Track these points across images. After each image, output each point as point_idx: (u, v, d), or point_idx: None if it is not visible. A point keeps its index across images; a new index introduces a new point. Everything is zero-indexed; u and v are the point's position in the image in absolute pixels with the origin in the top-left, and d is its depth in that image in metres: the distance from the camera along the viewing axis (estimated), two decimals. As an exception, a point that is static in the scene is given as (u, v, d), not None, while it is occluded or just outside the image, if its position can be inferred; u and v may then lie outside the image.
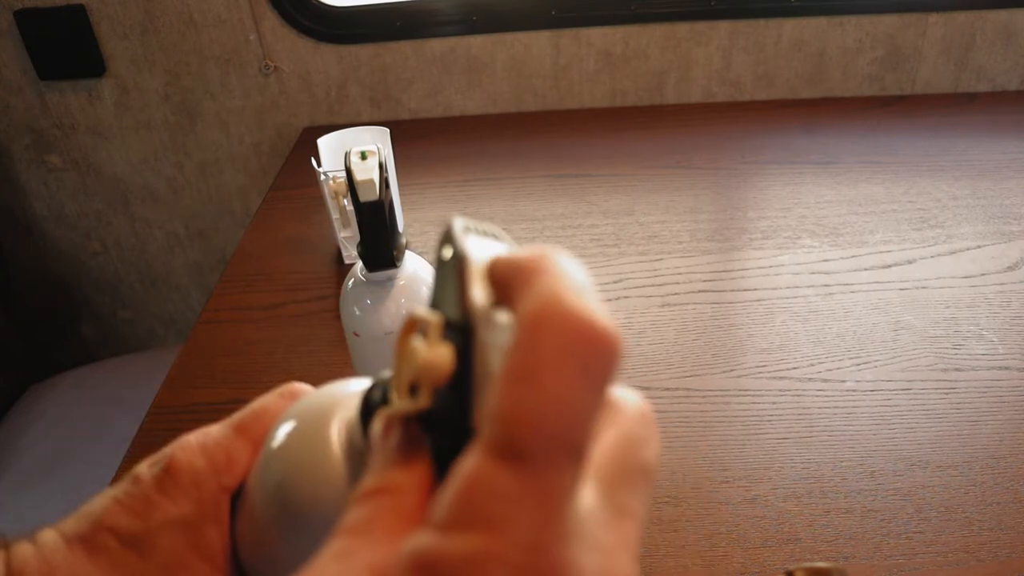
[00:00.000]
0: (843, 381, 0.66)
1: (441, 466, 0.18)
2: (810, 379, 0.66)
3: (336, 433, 0.24)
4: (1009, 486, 0.55)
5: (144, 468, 0.26)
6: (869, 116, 1.16)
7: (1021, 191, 0.93)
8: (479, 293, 0.17)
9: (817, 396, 0.64)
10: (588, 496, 0.16)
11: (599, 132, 1.16)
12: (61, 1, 1.11)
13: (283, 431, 0.25)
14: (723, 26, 1.17)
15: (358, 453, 0.23)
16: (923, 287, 0.77)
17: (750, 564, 0.51)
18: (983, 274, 0.79)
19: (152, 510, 0.25)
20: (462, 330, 0.17)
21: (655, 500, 0.55)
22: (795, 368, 0.67)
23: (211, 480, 0.25)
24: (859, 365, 0.67)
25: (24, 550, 0.24)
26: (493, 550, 0.13)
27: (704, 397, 0.65)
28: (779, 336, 0.71)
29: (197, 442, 0.26)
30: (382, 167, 0.48)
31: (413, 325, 0.19)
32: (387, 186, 0.48)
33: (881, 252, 0.83)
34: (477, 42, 1.18)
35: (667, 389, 0.66)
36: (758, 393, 0.65)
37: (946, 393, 0.64)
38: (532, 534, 0.14)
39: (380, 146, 0.50)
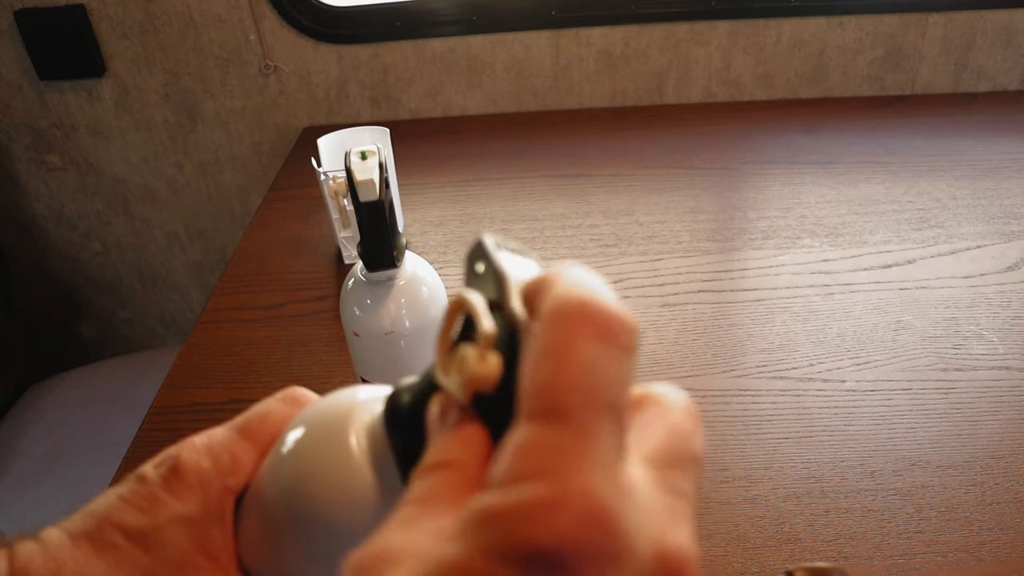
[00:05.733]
0: (843, 381, 0.66)
1: None
2: (810, 379, 0.66)
3: (355, 438, 0.24)
4: (1009, 486, 0.55)
5: (149, 468, 0.26)
6: (869, 116, 1.16)
7: (1021, 191, 0.93)
8: (519, 305, 0.19)
9: (817, 396, 0.64)
10: (640, 475, 0.17)
11: (599, 132, 1.16)
12: (61, 1, 1.11)
13: (295, 437, 0.25)
14: (723, 26, 1.17)
15: (382, 456, 0.23)
16: (923, 287, 0.77)
17: (750, 564, 0.51)
18: (983, 274, 0.79)
19: (159, 508, 0.25)
20: (508, 339, 0.19)
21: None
22: (795, 368, 0.67)
23: (217, 481, 0.25)
24: (859, 365, 0.67)
25: (28, 548, 0.24)
26: (551, 495, 0.14)
27: (704, 397, 0.65)
28: (779, 336, 0.71)
29: (202, 443, 0.26)
30: (382, 167, 0.48)
31: (457, 310, 0.20)
32: (387, 186, 0.48)
33: (881, 252, 0.83)
34: (477, 42, 1.18)
35: (667, 389, 0.65)
36: (758, 393, 0.65)
37: (946, 393, 0.64)
38: (585, 480, 0.14)
39: (380, 146, 0.50)
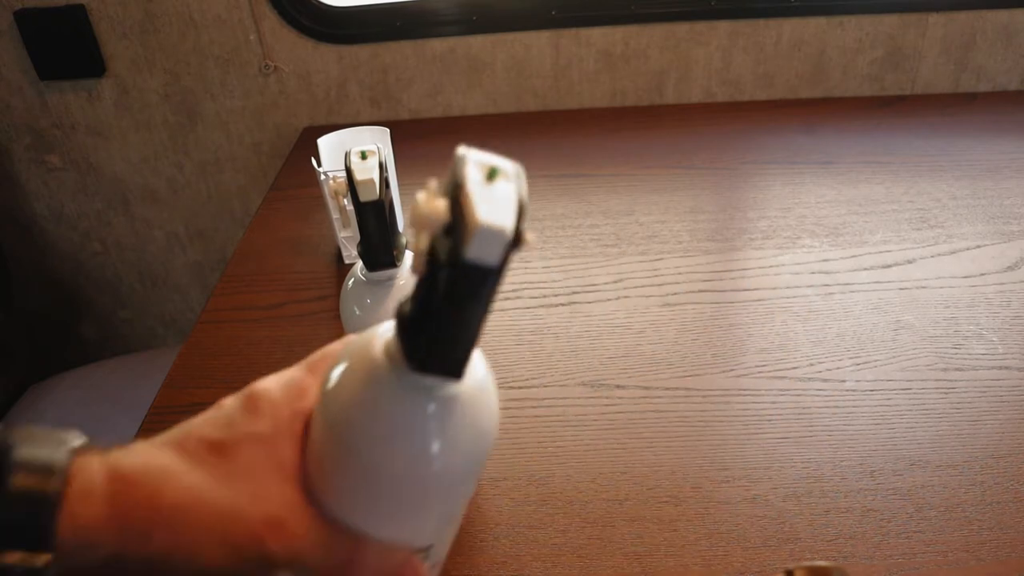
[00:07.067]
0: (843, 381, 0.66)
1: (433, 291, 0.24)
2: (810, 379, 0.66)
3: (379, 355, 0.27)
4: (1009, 486, 0.55)
5: (228, 398, 0.30)
6: (869, 116, 1.16)
7: (1021, 191, 0.93)
8: (474, 171, 0.23)
9: (817, 396, 0.64)
10: None
11: (599, 132, 1.16)
12: (61, 1, 1.11)
13: (335, 368, 0.29)
14: (723, 26, 1.17)
15: (398, 363, 0.26)
16: (923, 287, 0.77)
17: (750, 564, 0.51)
18: (983, 274, 0.79)
19: (235, 426, 0.29)
20: (454, 189, 0.23)
21: (655, 500, 0.55)
22: (795, 368, 0.67)
23: (286, 406, 0.30)
24: (859, 365, 0.67)
25: (117, 452, 0.28)
26: None
27: (704, 397, 0.65)
28: (779, 336, 0.71)
29: (274, 378, 0.31)
30: (382, 167, 0.48)
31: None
32: (387, 186, 0.48)
33: (881, 252, 0.83)
34: (477, 42, 1.18)
35: (667, 389, 0.66)
36: (758, 393, 0.65)
37: (946, 393, 0.64)
38: None
39: (380, 146, 0.50)
